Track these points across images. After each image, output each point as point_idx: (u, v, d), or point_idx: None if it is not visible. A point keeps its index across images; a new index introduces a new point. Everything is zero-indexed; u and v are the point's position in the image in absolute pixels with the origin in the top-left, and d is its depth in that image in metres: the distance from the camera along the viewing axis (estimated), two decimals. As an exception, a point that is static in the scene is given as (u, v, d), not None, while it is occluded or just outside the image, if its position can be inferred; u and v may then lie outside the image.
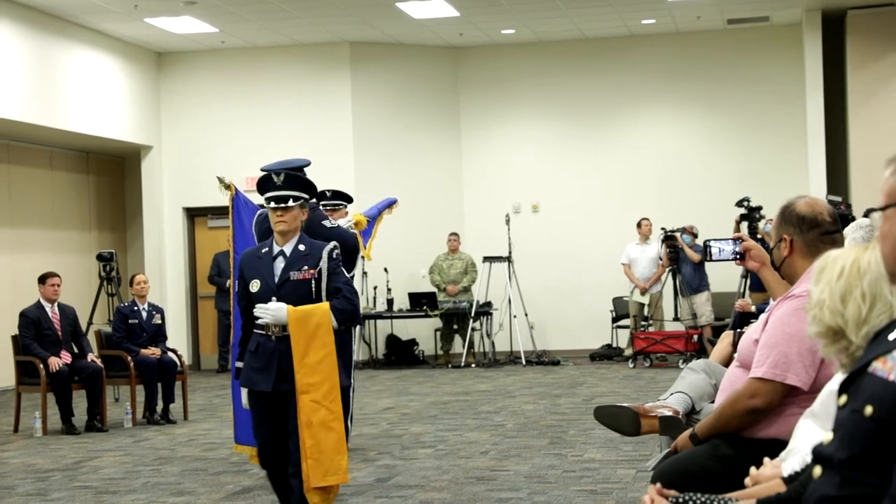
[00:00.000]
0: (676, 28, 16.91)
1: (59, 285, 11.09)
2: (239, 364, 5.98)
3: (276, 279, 5.80)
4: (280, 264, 5.85)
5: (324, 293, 5.84)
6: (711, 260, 6.17)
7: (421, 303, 16.09)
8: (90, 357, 11.01)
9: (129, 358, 11.16)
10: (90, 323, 13.28)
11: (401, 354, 16.64)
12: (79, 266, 16.35)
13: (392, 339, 16.81)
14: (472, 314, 15.98)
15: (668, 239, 15.24)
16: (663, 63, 17.26)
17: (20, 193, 15.65)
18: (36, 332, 10.81)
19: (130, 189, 18.01)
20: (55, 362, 10.67)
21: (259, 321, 5.75)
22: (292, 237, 5.91)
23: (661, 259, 15.54)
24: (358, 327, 13.05)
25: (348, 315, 5.86)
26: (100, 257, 14.04)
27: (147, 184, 17.11)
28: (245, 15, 15.04)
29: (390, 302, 16.38)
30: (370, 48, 17.00)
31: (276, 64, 16.98)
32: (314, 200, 8.58)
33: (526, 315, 16.21)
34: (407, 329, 16.91)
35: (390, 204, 9.44)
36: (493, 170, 17.58)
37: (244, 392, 5.92)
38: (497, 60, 17.61)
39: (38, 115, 14.18)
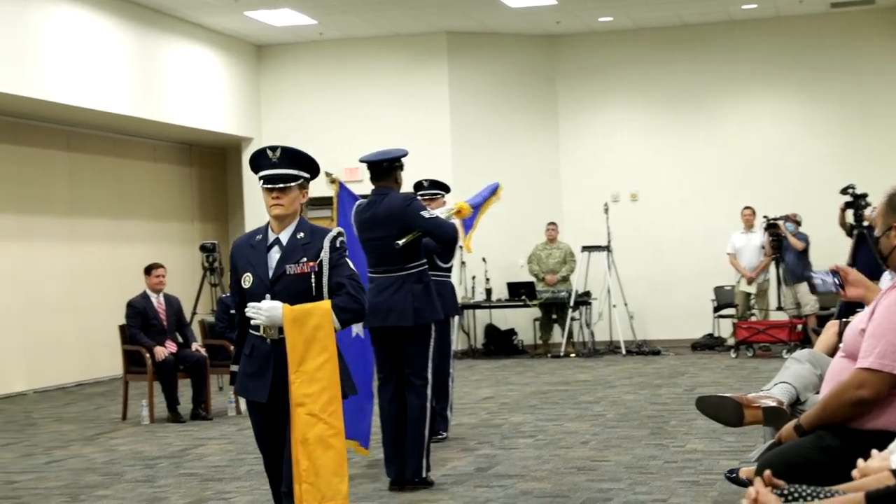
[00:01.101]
0: (778, 13, 16.62)
1: (164, 276, 11.30)
2: (234, 367, 5.14)
3: (271, 273, 4.92)
4: (275, 255, 4.95)
5: (325, 289, 4.91)
6: (816, 292, 6.13)
7: (519, 292, 16.07)
8: (194, 346, 11.19)
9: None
10: (194, 313, 13.51)
11: (500, 344, 16.65)
12: (182, 257, 16.64)
13: (491, 329, 16.82)
14: (572, 304, 15.91)
15: (771, 227, 15.00)
16: (764, 49, 16.99)
17: (126, 186, 15.97)
18: (142, 322, 11.02)
19: (232, 180, 18.29)
20: (161, 352, 10.87)
21: (253, 322, 4.88)
22: (290, 223, 4.99)
23: (763, 248, 15.32)
24: (457, 317, 12.73)
25: (353, 314, 4.90)
26: (203, 248, 14.26)
27: (248, 175, 17.33)
28: (343, 6, 15.14)
29: (489, 292, 16.40)
30: (467, 38, 17.00)
31: (374, 55, 17.07)
32: (411, 191, 8.63)
33: (625, 304, 16.10)
34: (506, 319, 16.90)
35: (494, 190, 9.14)
36: (591, 159, 17.47)
37: (242, 401, 5.46)
38: (594, 48, 17.49)
39: (142, 109, 14.46)
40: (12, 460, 9.07)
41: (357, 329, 7.65)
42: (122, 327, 11.19)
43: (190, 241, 16.99)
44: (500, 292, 16.47)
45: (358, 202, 7.55)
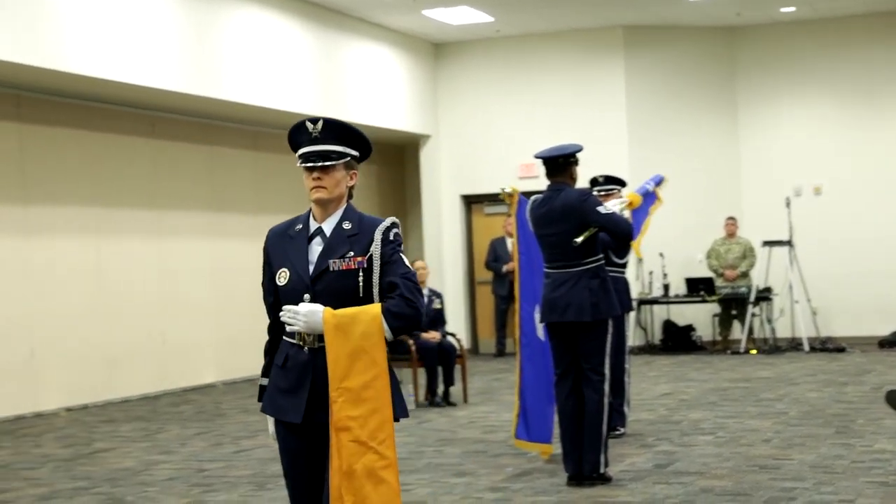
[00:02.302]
0: (971, -3, 15.97)
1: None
2: (263, 381, 4.26)
3: (311, 269, 4.09)
4: (317, 248, 4.12)
5: (375, 290, 4.07)
6: None
7: (698, 288, 15.87)
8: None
9: (411, 342, 11.49)
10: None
11: (677, 340, 16.46)
12: (362, 253, 16.92)
13: (668, 325, 16.65)
14: (752, 299, 15.62)
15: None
16: (957, 35, 16.34)
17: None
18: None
19: (410, 177, 18.56)
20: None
21: (289, 328, 4.06)
22: (334, 210, 4.15)
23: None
24: (632, 313, 12.26)
25: (407, 322, 4.03)
26: (382, 244, 14.49)
27: (426, 172, 17.57)
28: (520, 3, 15.19)
29: (666, 287, 16.24)
30: (644, 32, 16.85)
31: (550, 51, 17.07)
32: (587, 186, 8.62)
33: (808, 300, 15.71)
34: (683, 314, 16.70)
35: (659, 182, 9.17)
36: (773, 152, 17.09)
37: (270, 420, 4.21)
38: (776, 40, 17.10)
39: (322, 108, 14.78)
40: (203, 449, 9.41)
41: (541, 332, 7.68)
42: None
43: (369, 237, 17.27)
44: (678, 288, 16.29)
45: (533, 198, 7.57)
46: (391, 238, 4.08)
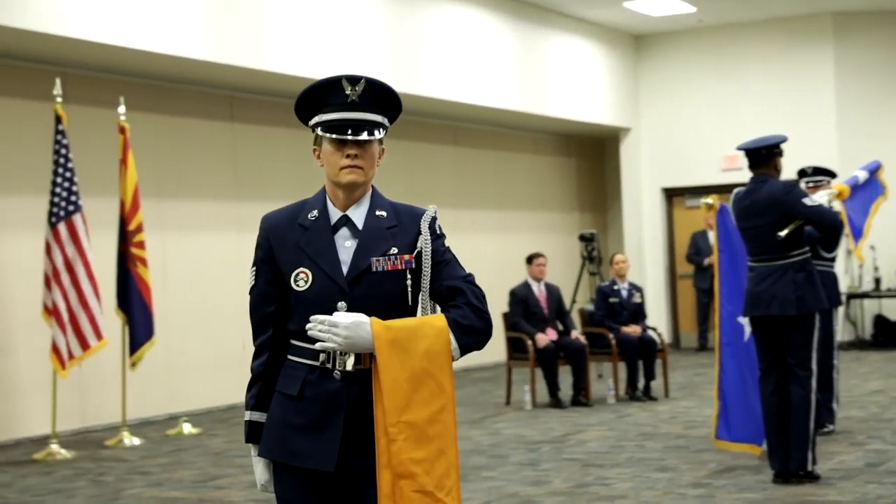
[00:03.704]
0: None
1: (545, 265, 11.59)
2: (255, 416, 3.29)
3: (346, 269, 3.18)
4: (348, 242, 3.22)
5: (424, 296, 3.22)
6: None
7: (911, 282, 15.31)
8: (574, 334, 11.41)
9: (611, 335, 11.45)
10: (574, 301, 13.75)
11: (889, 335, 15.92)
12: (563, 246, 16.98)
13: (880, 320, 16.11)
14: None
15: None
16: None
17: (507, 178, 16.48)
18: (524, 310, 11.35)
19: (610, 171, 18.48)
20: (542, 339, 11.16)
21: (319, 345, 3.11)
22: (362, 195, 3.27)
23: None
24: (841, 307, 11.28)
25: (479, 338, 3.22)
26: (582, 238, 14.48)
27: (626, 165, 17.47)
28: (722, -8, 14.94)
29: (878, 281, 15.73)
30: (854, 18, 16.30)
31: (754, 40, 16.72)
32: (794, 178, 8.41)
33: None
34: (895, 309, 16.14)
35: (875, 168, 8.59)
36: None
37: (259, 465, 3.27)
38: None
39: (524, 103, 14.87)
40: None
41: (748, 330, 7.49)
42: (504, 315, 11.57)
43: (569, 230, 17.30)
44: (890, 281, 15.76)
45: (735, 191, 7.44)
46: (438, 231, 3.27)
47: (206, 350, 11.67)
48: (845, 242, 9.25)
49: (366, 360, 3.13)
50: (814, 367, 7.11)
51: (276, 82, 11.67)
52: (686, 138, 16.98)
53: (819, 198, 7.48)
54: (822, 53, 16.31)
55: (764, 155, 7.23)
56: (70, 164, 9.29)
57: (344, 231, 3.22)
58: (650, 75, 17.41)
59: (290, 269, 3.20)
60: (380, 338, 3.06)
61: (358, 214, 3.23)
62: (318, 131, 3.21)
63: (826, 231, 7.45)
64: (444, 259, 3.23)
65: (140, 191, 9.98)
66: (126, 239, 9.83)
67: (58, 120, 9.28)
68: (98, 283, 9.34)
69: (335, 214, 3.24)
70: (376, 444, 3.06)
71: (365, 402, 3.11)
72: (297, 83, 11.73)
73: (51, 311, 9.17)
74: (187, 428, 10.23)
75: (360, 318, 3.07)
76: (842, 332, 14.02)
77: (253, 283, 3.30)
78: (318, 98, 3.20)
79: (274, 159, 12.61)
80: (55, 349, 9.14)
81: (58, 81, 9.42)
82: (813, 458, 7.12)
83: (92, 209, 9.89)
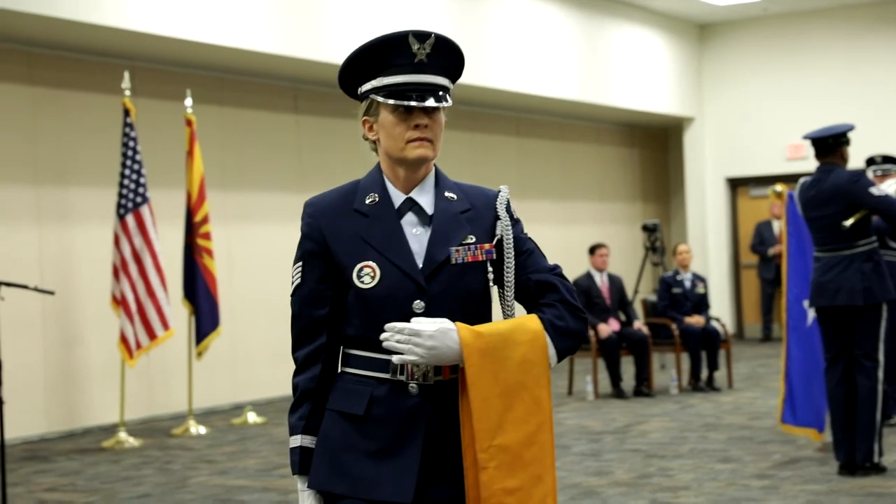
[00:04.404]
0: None
1: (607, 255, 11.57)
2: (307, 443, 2.75)
3: (420, 262, 2.69)
4: (419, 231, 2.73)
5: (508, 293, 2.74)
6: None
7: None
8: (637, 325, 11.39)
9: (674, 326, 11.41)
10: (636, 291, 13.71)
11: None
12: (625, 236, 16.92)
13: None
14: None
15: None
16: None
17: (571, 169, 16.46)
18: (587, 301, 11.34)
19: (673, 161, 18.39)
20: (605, 329, 11.14)
21: (397, 358, 2.62)
22: (425, 175, 2.77)
23: None
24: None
25: (577, 341, 2.76)
26: (644, 228, 14.42)
27: (689, 155, 17.36)
28: (787, -20, 14.78)
29: (946, 272, 15.45)
30: (922, 4, 16.08)
31: (821, 28, 16.52)
32: (862, 167, 8.32)
33: None
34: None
35: None
36: None
37: (308, 501, 2.72)
38: None
39: (587, 93, 14.83)
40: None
41: (811, 314, 7.45)
42: (568, 305, 11.55)
43: (632, 221, 17.25)
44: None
45: (801, 180, 7.39)
46: (514, 216, 2.78)
47: (270, 340, 11.78)
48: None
49: (446, 370, 2.67)
50: (881, 357, 7.05)
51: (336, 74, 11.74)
52: (750, 128, 16.84)
53: (887, 187, 7.43)
54: (888, 41, 16.09)
55: (830, 144, 7.17)
56: (138, 157, 9.43)
57: (410, 217, 2.72)
58: (714, 65, 17.28)
59: (352, 264, 2.69)
60: (469, 346, 2.58)
61: (425, 197, 2.74)
62: (379, 98, 2.69)
63: (893, 221, 7.36)
64: (526, 248, 2.76)
65: (206, 182, 10.11)
66: (192, 230, 9.94)
67: (126, 113, 9.42)
68: (165, 273, 9.47)
69: (398, 197, 2.73)
70: (465, 475, 2.62)
71: (445, 419, 2.66)
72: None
73: (119, 302, 9.31)
74: (252, 417, 10.35)
75: (446, 324, 2.60)
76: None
77: (299, 281, 2.77)
78: (378, 58, 2.70)
79: (338, 151, 12.69)
80: (123, 339, 9.28)
81: (126, 75, 9.56)
82: (879, 449, 7.06)
83: (159, 201, 10.03)
